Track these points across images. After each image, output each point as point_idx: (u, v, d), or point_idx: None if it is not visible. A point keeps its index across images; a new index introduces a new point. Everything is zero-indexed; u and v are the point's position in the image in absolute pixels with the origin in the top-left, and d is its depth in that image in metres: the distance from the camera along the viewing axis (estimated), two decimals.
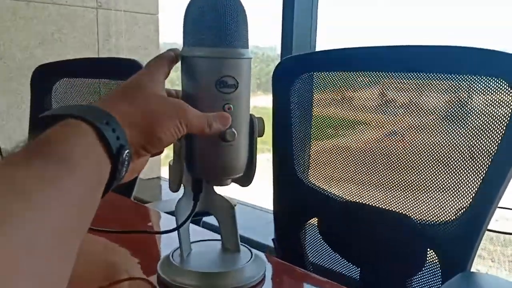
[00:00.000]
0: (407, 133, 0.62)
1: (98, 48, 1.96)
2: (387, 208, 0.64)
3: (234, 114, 0.38)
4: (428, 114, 0.60)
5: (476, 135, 0.55)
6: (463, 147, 0.56)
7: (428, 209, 0.60)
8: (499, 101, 0.53)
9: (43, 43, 1.82)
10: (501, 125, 0.52)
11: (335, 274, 0.72)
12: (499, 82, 0.53)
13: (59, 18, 1.85)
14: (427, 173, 0.60)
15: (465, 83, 0.56)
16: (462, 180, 0.56)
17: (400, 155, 0.62)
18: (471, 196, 0.55)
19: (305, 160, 0.73)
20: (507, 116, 0.52)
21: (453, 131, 0.57)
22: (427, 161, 0.60)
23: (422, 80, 0.60)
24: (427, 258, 0.60)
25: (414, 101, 0.61)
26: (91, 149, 0.27)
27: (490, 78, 0.54)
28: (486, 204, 0.54)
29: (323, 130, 0.71)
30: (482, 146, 0.54)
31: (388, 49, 0.64)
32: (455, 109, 0.57)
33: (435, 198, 0.59)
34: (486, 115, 0.54)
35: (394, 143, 0.63)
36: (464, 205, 0.56)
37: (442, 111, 0.59)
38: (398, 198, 0.63)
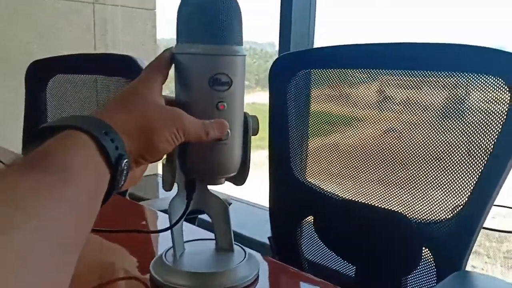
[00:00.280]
0: (404, 130, 0.62)
1: (94, 44, 1.94)
2: (383, 206, 0.63)
3: (227, 112, 0.38)
4: (425, 112, 0.59)
5: (473, 133, 0.54)
6: (460, 144, 0.56)
7: (424, 207, 0.60)
8: (496, 99, 0.52)
9: (39, 38, 1.80)
10: (497, 122, 0.52)
11: (331, 271, 0.72)
12: (496, 79, 0.52)
13: (54, 13, 1.83)
14: (424, 170, 0.59)
15: (462, 81, 0.55)
16: (458, 178, 0.56)
17: (397, 152, 0.62)
18: (467, 194, 0.55)
19: (302, 158, 0.73)
20: (503, 114, 0.52)
21: (450, 128, 0.57)
22: (424, 158, 0.59)
23: (420, 77, 0.59)
24: (422, 256, 0.60)
25: (411, 98, 0.60)
26: (90, 159, 0.27)
27: (486, 76, 0.53)
28: (482, 202, 0.54)
29: (320, 127, 0.71)
30: (479, 144, 0.54)
31: (386, 46, 0.63)
32: (452, 106, 0.57)
33: (431, 196, 0.59)
34: (483, 112, 0.54)
35: (391, 140, 0.63)
36: (460, 203, 0.56)
37: (440, 108, 0.59)
38: (394, 196, 0.63)
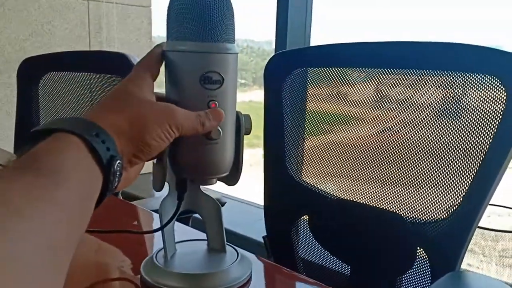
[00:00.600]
0: (400, 129, 0.62)
1: (89, 41, 1.93)
2: (378, 205, 0.63)
3: None
4: (421, 111, 0.59)
5: (469, 132, 0.54)
6: (456, 144, 0.56)
7: (419, 207, 0.59)
8: (492, 98, 0.52)
9: (33, 35, 1.78)
10: (493, 122, 0.52)
11: (326, 270, 0.71)
12: (492, 79, 0.52)
13: (49, 9, 1.81)
14: (419, 170, 0.59)
15: (458, 80, 0.55)
16: (454, 178, 0.55)
17: (392, 152, 0.61)
18: (462, 194, 0.55)
19: (297, 157, 0.72)
20: (499, 114, 0.51)
21: (446, 127, 0.57)
22: (419, 158, 0.59)
23: (416, 76, 0.59)
24: (417, 256, 0.60)
25: (408, 98, 0.60)
26: (82, 162, 0.27)
27: (482, 75, 0.53)
28: (477, 202, 0.53)
29: (316, 126, 0.70)
30: (475, 143, 0.53)
31: (383, 45, 0.63)
32: (449, 106, 0.57)
33: (426, 196, 0.59)
34: (479, 112, 0.53)
35: (386, 139, 0.63)
36: (455, 203, 0.55)
37: (436, 107, 0.58)
38: (390, 196, 0.62)
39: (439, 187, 0.57)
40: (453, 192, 0.56)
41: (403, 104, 0.61)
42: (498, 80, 0.52)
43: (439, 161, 0.57)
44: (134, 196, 1.26)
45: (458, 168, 0.55)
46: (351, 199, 0.66)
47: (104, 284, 0.43)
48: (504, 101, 0.51)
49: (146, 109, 0.33)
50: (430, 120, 0.58)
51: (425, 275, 0.60)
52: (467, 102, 0.55)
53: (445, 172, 0.56)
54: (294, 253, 0.75)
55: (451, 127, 0.56)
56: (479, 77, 0.53)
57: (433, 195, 0.58)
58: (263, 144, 0.75)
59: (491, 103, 0.52)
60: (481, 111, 0.53)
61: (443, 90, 0.57)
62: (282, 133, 0.72)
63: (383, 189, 0.63)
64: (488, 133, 0.52)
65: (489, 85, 0.52)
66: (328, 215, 0.69)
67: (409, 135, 0.60)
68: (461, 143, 0.55)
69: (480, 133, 0.53)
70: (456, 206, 0.55)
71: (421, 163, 0.59)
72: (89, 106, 0.91)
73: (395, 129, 0.63)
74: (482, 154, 0.53)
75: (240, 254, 0.43)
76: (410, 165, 0.60)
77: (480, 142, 0.53)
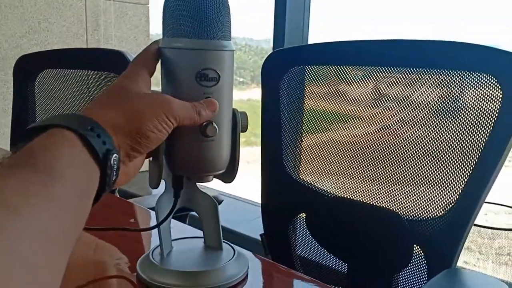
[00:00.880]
0: (397, 128, 0.62)
1: (86, 38, 1.92)
2: (375, 203, 0.63)
3: None
4: (418, 109, 0.59)
5: (466, 130, 0.54)
6: (453, 142, 0.56)
7: (416, 205, 0.60)
8: (488, 97, 0.52)
9: (30, 32, 1.77)
10: (489, 120, 0.52)
11: (323, 268, 0.72)
12: (488, 77, 0.52)
13: (46, 6, 1.80)
14: (416, 168, 0.59)
15: (455, 78, 0.55)
16: (450, 176, 0.56)
17: (389, 150, 0.62)
18: (459, 192, 0.55)
19: (294, 155, 0.72)
20: (495, 112, 0.52)
21: (443, 126, 0.57)
22: (416, 156, 0.59)
23: (414, 74, 0.59)
24: (414, 254, 0.60)
25: (405, 96, 0.60)
26: (77, 157, 0.27)
27: (479, 74, 0.53)
28: (473, 199, 0.54)
29: (313, 124, 0.70)
30: (471, 141, 0.54)
31: (380, 44, 0.63)
32: (446, 104, 0.57)
33: (423, 194, 0.59)
34: (476, 110, 0.53)
35: (383, 138, 0.63)
36: (452, 201, 0.56)
37: (433, 106, 0.58)
38: (387, 194, 0.62)
39: (435, 184, 0.57)
40: (449, 190, 0.56)
41: (400, 103, 0.61)
42: (494, 79, 0.52)
43: (436, 159, 0.57)
44: (131, 194, 1.26)
45: (455, 166, 0.55)
46: (348, 197, 0.66)
47: (100, 282, 0.43)
48: (500, 100, 0.51)
49: (142, 102, 0.33)
50: (427, 119, 0.59)
51: (421, 272, 0.60)
52: (463, 100, 0.55)
53: (441, 170, 0.57)
54: (291, 251, 0.75)
55: (447, 125, 0.56)
56: (475, 75, 0.53)
57: (429, 192, 0.58)
58: (261, 142, 0.75)
59: (487, 101, 0.52)
60: (477, 109, 0.53)
61: (440, 88, 0.57)
62: (279, 131, 0.72)
63: (380, 187, 0.63)
64: (484, 131, 0.52)
65: (486, 84, 0.52)
66: (325, 213, 0.69)
67: (405, 133, 0.60)
68: (457, 141, 0.55)
69: (477, 131, 0.53)
70: (453, 204, 0.55)
71: (418, 161, 0.59)
72: (86, 103, 0.91)
73: (392, 127, 0.63)
74: (478, 152, 0.53)
75: (236, 252, 0.43)
76: (407, 163, 0.60)
77: (477, 140, 0.53)
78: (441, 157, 0.57)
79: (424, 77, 0.58)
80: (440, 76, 0.57)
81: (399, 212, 0.61)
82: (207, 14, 0.35)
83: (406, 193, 0.61)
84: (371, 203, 0.64)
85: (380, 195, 0.63)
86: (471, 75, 0.54)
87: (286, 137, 0.72)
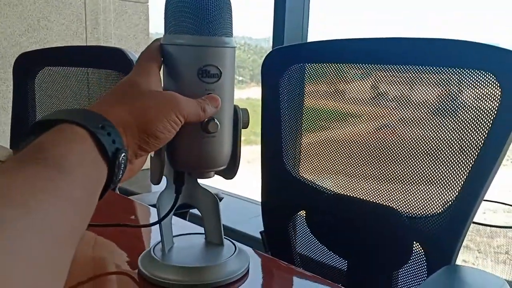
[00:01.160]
0: (397, 126, 0.62)
1: (86, 37, 1.91)
2: (375, 201, 0.63)
3: None
4: (418, 108, 0.59)
5: (465, 128, 0.54)
6: (452, 140, 0.56)
7: (416, 203, 0.60)
8: (487, 95, 0.52)
9: (29, 30, 1.77)
10: (488, 118, 0.52)
11: (323, 266, 0.72)
12: (487, 75, 0.52)
13: (45, 4, 1.80)
14: (416, 166, 0.59)
15: (455, 76, 0.55)
16: (449, 173, 0.56)
17: (389, 148, 0.62)
18: (458, 189, 0.55)
19: (294, 152, 0.73)
20: (494, 110, 0.52)
21: (442, 124, 0.57)
22: (416, 154, 0.60)
23: (414, 72, 0.59)
24: (413, 251, 0.60)
25: (405, 94, 0.60)
26: (87, 154, 0.27)
27: (478, 72, 0.53)
28: (472, 197, 0.54)
29: (313, 122, 0.70)
30: (470, 139, 0.54)
31: (379, 41, 0.63)
32: (445, 102, 0.57)
33: (423, 191, 0.59)
34: (475, 108, 0.54)
35: (383, 136, 0.63)
36: (451, 198, 0.56)
37: (433, 104, 0.59)
38: (386, 191, 0.63)
39: (435, 182, 0.58)
40: (448, 187, 0.56)
41: (399, 101, 0.61)
42: (493, 77, 0.52)
43: (435, 156, 0.58)
44: (131, 192, 1.26)
45: (454, 163, 0.56)
46: (348, 195, 0.66)
47: (102, 278, 0.43)
48: (498, 98, 0.52)
49: (151, 101, 0.33)
50: (426, 117, 0.59)
51: (421, 269, 0.61)
52: (462, 98, 0.55)
53: (441, 168, 0.57)
54: (291, 248, 0.75)
55: (446, 123, 0.57)
56: (474, 73, 0.54)
57: (429, 190, 0.58)
58: (261, 140, 0.75)
59: (486, 99, 0.53)
60: (476, 108, 0.53)
61: (439, 86, 0.57)
62: (279, 128, 0.72)
63: (379, 185, 0.63)
64: (483, 129, 0.53)
65: (485, 82, 0.53)
66: (325, 211, 0.69)
67: (405, 131, 0.61)
68: (456, 139, 0.55)
69: (475, 129, 0.53)
70: (452, 201, 0.56)
71: (417, 158, 0.59)
72: (86, 101, 0.91)
73: (391, 125, 0.63)
74: (477, 150, 0.53)
75: (237, 248, 0.44)
76: (406, 160, 0.60)
77: (475, 138, 0.53)
78: (440, 155, 0.57)
79: (423, 75, 0.58)
80: (439, 74, 0.57)
81: (399, 210, 0.61)
82: (209, 11, 0.35)
83: (406, 190, 0.61)
84: (370, 200, 0.64)
85: (380, 192, 0.63)
86: (470, 73, 0.54)
87: (286, 134, 0.72)
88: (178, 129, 0.33)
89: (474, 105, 0.54)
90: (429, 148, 0.58)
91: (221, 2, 0.36)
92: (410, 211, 0.60)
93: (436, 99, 0.58)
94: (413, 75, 0.59)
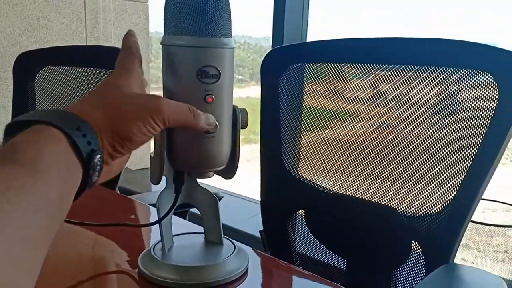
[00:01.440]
0: (396, 125, 0.62)
1: (86, 36, 1.92)
2: (373, 200, 0.64)
3: (216, 105, 0.37)
4: (417, 107, 0.60)
5: (463, 128, 0.55)
6: (450, 139, 0.56)
7: (414, 202, 0.60)
8: (485, 94, 0.53)
9: (29, 29, 1.77)
10: (486, 118, 0.53)
11: (322, 265, 0.72)
12: (485, 75, 0.53)
13: (45, 4, 1.80)
14: (415, 165, 0.60)
15: (453, 76, 0.56)
16: (448, 172, 0.56)
17: (388, 147, 0.62)
18: (456, 188, 0.55)
19: (293, 152, 0.73)
20: (491, 109, 0.52)
21: (440, 123, 0.57)
22: (415, 153, 0.60)
23: (413, 72, 0.59)
24: (412, 250, 0.61)
25: (404, 94, 0.61)
26: (62, 155, 0.27)
27: (476, 71, 0.53)
28: (470, 196, 0.54)
29: (312, 122, 0.71)
30: (469, 139, 0.54)
31: (378, 41, 0.63)
32: (444, 102, 0.57)
33: (421, 191, 0.59)
34: (473, 108, 0.54)
35: (382, 135, 0.63)
36: (449, 197, 0.56)
37: (431, 104, 0.59)
38: (385, 191, 0.63)
39: (433, 181, 0.58)
40: (447, 186, 0.56)
41: (398, 100, 0.61)
42: (491, 77, 0.52)
43: (434, 156, 0.58)
44: (130, 191, 1.26)
45: (452, 162, 0.56)
46: (347, 194, 0.66)
47: (102, 277, 0.43)
48: (496, 97, 0.52)
49: (128, 103, 0.32)
50: (425, 116, 0.59)
51: (419, 268, 0.61)
52: (460, 98, 0.56)
53: (439, 167, 0.57)
54: (290, 247, 0.75)
55: (445, 123, 0.57)
56: (472, 73, 0.54)
57: (427, 189, 0.59)
58: (260, 139, 0.75)
59: (484, 99, 0.53)
60: (474, 107, 0.54)
61: (438, 86, 0.58)
62: (279, 128, 0.72)
63: (378, 184, 0.63)
64: (481, 128, 0.53)
65: (483, 81, 0.53)
66: (324, 210, 0.69)
67: (403, 130, 0.61)
68: (455, 138, 0.56)
69: (474, 129, 0.54)
70: (450, 200, 0.56)
71: (416, 158, 0.60)
72: None
73: (390, 125, 0.63)
74: (475, 149, 0.53)
75: (237, 247, 0.44)
76: (405, 160, 0.61)
77: (474, 138, 0.54)
78: (439, 154, 0.57)
79: (421, 74, 0.59)
80: (438, 74, 0.57)
81: (397, 209, 0.62)
82: (208, 12, 0.36)
83: (404, 189, 0.61)
84: (369, 200, 0.64)
85: (379, 192, 0.64)
86: (468, 73, 0.54)
87: (285, 134, 0.73)
88: (156, 133, 0.33)
89: (472, 104, 0.54)
90: (428, 148, 0.59)
91: (220, 3, 0.36)
92: (409, 210, 0.61)
93: (434, 99, 0.58)
94: (412, 74, 0.60)
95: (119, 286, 0.42)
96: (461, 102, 0.55)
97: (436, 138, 0.58)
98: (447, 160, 0.56)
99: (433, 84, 0.58)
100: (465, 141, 0.54)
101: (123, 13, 2.04)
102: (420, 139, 0.59)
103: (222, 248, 0.44)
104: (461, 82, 0.55)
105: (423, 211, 0.59)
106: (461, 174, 0.55)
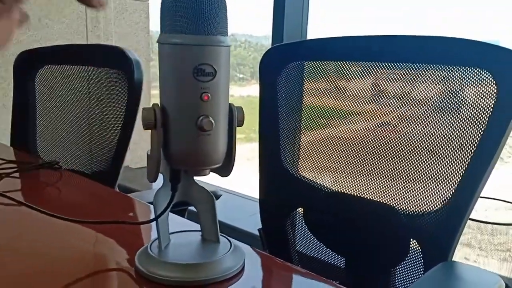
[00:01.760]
0: (394, 123, 0.62)
1: (86, 35, 1.92)
2: (372, 198, 0.64)
3: (211, 103, 0.38)
4: (416, 105, 0.60)
5: (461, 126, 0.55)
6: (449, 137, 0.56)
7: (413, 200, 0.60)
8: (484, 92, 0.53)
9: (30, 28, 1.78)
10: (485, 116, 0.52)
11: (321, 263, 0.72)
12: (483, 73, 0.53)
13: (46, 2, 1.80)
14: (414, 163, 0.60)
15: (452, 74, 0.56)
16: (447, 170, 0.56)
17: (387, 145, 0.62)
18: (455, 186, 0.55)
19: (292, 150, 0.73)
20: (490, 107, 0.52)
21: (439, 121, 0.57)
22: (413, 151, 0.60)
23: (411, 70, 0.59)
24: (410, 248, 0.61)
25: (403, 91, 0.60)
26: None
27: (475, 69, 0.53)
28: (468, 194, 0.54)
29: (311, 120, 0.71)
30: (467, 137, 0.54)
31: (377, 39, 0.63)
32: (443, 99, 0.57)
33: (420, 189, 0.59)
34: (471, 105, 0.54)
35: (381, 133, 0.63)
36: (448, 195, 0.56)
37: (430, 101, 0.59)
38: (384, 189, 0.63)
39: (432, 179, 0.58)
40: (445, 184, 0.56)
41: (398, 98, 0.61)
42: (489, 74, 0.52)
43: (432, 154, 0.58)
44: (130, 189, 1.27)
45: (451, 160, 0.56)
46: (345, 192, 0.66)
47: (99, 275, 0.44)
48: (495, 95, 0.52)
49: None
50: (424, 114, 0.59)
51: (418, 266, 0.61)
52: (459, 95, 0.55)
53: (438, 165, 0.57)
54: (289, 245, 0.75)
55: (443, 121, 0.57)
56: (471, 71, 0.54)
57: (426, 187, 0.59)
58: (258, 138, 0.75)
59: (482, 97, 0.53)
60: (472, 105, 0.54)
61: (438, 84, 0.58)
62: (277, 126, 0.72)
63: (377, 182, 0.63)
64: (480, 126, 0.53)
65: (481, 79, 0.53)
66: (323, 208, 0.70)
67: (401, 129, 0.61)
68: (453, 136, 0.56)
69: (472, 127, 0.54)
70: (449, 198, 0.56)
71: (414, 156, 0.60)
72: (86, 99, 0.92)
73: (389, 123, 0.63)
74: (474, 147, 0.53)
75: (233, 245, 0.44)
76: (403, 158, 0.61)
77: (472, 135, 0.54)
78: (438, 152, 0.57)
79: (422, 72, 0.59)
80: (438, 72, 0.57)
81: (396, 207, 0.62)
82: (204, 10, 0.36)
83: (403, 188, 0.61)
84: (368, 198, 0.64)
85: (377, 190, 0.64)
86: (467, 71, 0.54)
87: (283, 132, 0.73)
88: None
89: (471, 102, 0.54)
90: (427, 146, 0.59)
91: (216, 1, 0.36)
92: (407, 209, 0.61)
93: (433, 96, 0.58)
94: (410, 72, 0.59)
95: (116, 283, 0.42)
96: (460, 100, 0.55)
97: (435, 136, 0.58)
98: (446, 158, 0.56)
99: (432, 82, 0.58)
100: (463, 139, 0.54)
101: (123, 12, 2.04)
102: (419, 137, 0.59)
103: (218, 245, 0.44)
104: (460, 80, 0.55)
105: (422, 209, 0.59)
106: (460, 172, 0.55)
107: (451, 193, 0.56)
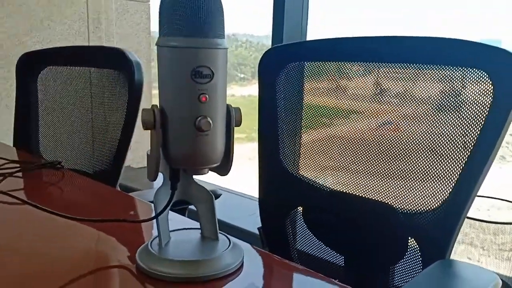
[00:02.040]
0: (393, 123, 0.63)
1: (88, 36, 1.93)
2: (371, 197, 0.64)
3: (209, 104, 0.38)
4: (416, 105, 0.60)
5: (459, 125, 0.55)
6: (447, 136, 0.57)
7: (411, 199, 0.61)
8: (480, 92, 0.53)
9: (32, 30, 1.79)
10: (481, 115, 0.53)
11: (320, 261, 0.73)
12: (480, 73, 0.53)
13: (48, 4, 1.82)
14: (412, 162, 0.60)
15: (450, 74, 0.56)
16: (444, 169, 0.57)
17: (385, 145, 0.63)
18: (452, 185, 0.56)
19: (291, 150, 0.73)
20: (486, 107, 0.53)
21: (437, 121, 0.58)
22: (412, 150, 0.60)
23: (412, 70, 0.60)
24: (409, 246, 0.61)
25: (403, 91, 0.61)
26: None
27: (472, 69, 0.54)
28: (466, 192, 0.55)
29: (311, 120, 0.71)
30: (465, 136, 0.55)
31: (375, 40, 0.63)
32: (440, 99, 0.58)
33: (418, 187, 0.60)
34: (468, 105, 0.54)
35: (378, 133, 0.64)
36: (446, 194, 0.57)
37: (429, 101, 0.59)
38: (382, 188, 0.63)
39: (430, 178, 0.58)
40: (443, 183, 0.57)
41: (398, 98, 0.62)
42: (486, 74, 0.53)
43: (430, 153, 0.58)
44: (132, 189, 1.28)
45: (448, 159, 0.56)
46: (344, 191, 0.67)
47: (101, 272, 0.44)
48: (491, 95, 0.52)
49: None
50: (423, 114, 0.59)
51: (416, 264, 0.61)
52: (457, 95, 0.56)
53: (436, 164, 0.58)
54: (288, 244, 0.76)
55: (442, 120, 0.57)
56: (468, 71, 0.54)
57: (424, 186, 0.59)
58: (258, 137, 0.76)
59: (479, 97, 0.53)
60: (469, 105, 0.54)
61: (436, 84, 0.58)
62: (276, 126, 0.73)
63: (375, 181, 0.64)
64: (476, 126, 0.53)
65: (478, 79, 0.53)
66: (322, 207, 0.70)
67: (400, 128, 0.61)
68: (451, 136, 0.56)
69: (469, 126, 0.54)
70: (446, 196, 0.57)
71: (413, 155, 0.60)
72: (88, 100, 0.92)
73: (387, 122, 0.64)
74: (471, 146, 0.54)
75: (232, 242, 0.45)
76: (402, 157, 0.61)
77: (469, 135, 0.54)
78: (435, 151, 0.58)
79: (421, 72, 0.59)
80: (436, 72, 0.58)
81: (394, 206, 0.62)
82: (201, 14, 0.36)
83: (401, 186, 0.62)
84: (366, 197, 0.65)
85: (376, 189, 0.64)
86: (464, 71, 0.55)
87: (283, 132, 0.73)
88: None
89: (468, 102, 0.54)
90: (425, 145, 0.59)
91: (213, 5, 0.37)
92: (405, 207, 0.61)
93: (432, 96, 0.59)
94: (412, 72, 0.60)
95: (118, 280, 0.43)
96: (457, 100, 0.56)
97: (433, 135, 0.58)
98: (443, 157, 0.57)
99: (431, 82, 0.59)
100: (461, 138, 0.55)
101: (125, 13, 2.05)
102: (417, 137, 0.60)
103: (217, 243, 0.45)
104: (458, 80, 0.56)
105: (420, 208, 0.60)
106: (457, 170, 0.55)
107: (449, 191, 0.56)
